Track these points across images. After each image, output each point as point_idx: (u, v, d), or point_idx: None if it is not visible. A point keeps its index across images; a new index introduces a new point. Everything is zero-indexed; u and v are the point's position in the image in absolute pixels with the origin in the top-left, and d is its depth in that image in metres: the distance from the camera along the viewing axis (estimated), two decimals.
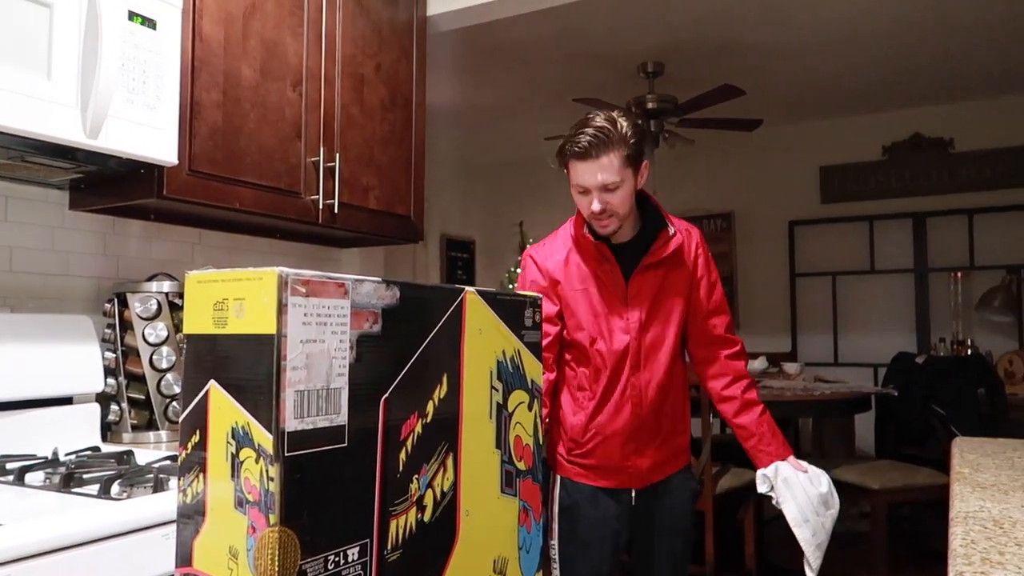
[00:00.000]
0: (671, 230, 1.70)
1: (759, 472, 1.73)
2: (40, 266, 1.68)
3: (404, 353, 0.87)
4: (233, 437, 0.76)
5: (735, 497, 3.08)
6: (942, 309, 4.72)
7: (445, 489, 0.92)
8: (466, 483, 0.96)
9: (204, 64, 1.65)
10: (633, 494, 1.70)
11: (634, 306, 1.67)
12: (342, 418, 0.78)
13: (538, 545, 1.11)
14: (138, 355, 1.70)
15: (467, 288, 0.97)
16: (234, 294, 0.77)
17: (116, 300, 1.72)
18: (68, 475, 1.20)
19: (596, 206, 1.59)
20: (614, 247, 1.68)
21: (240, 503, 0.75)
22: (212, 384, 0.78)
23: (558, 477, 1.71)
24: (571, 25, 3.46)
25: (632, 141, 1.59)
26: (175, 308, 1.74)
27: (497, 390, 1.02)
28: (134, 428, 1.68)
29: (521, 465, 1.07)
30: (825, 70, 4.10)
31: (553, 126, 4.77)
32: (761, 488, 1.72)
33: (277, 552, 0.72)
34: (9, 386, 1.46)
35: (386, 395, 0.84)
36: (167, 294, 1.74)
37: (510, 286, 5.88)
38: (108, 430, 1.69)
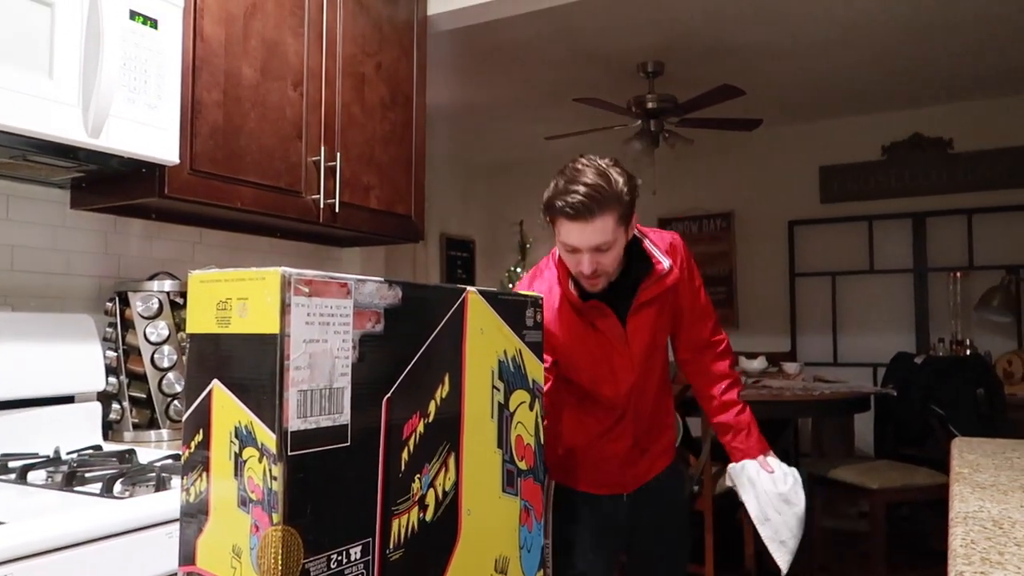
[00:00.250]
0: (664, 265, 1.60)
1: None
2: (42, 265, 1.69)
3: (406, 353, 0.88)
4: (236, 436, 0.76)
5: (735, 497, 3.08)
6: (941, 309, 4.73)
7: (447, 488, 0.92)
8: (468, 482, 0.96)
9: (205, 64, 1.65)
10: (625, 497, 1.71)
11: (634, 342, 1.61)
12: (345, 417, 0.79)
13: (539, 544, 1.12)
14: (139, 354, 1.70)
15: (469, 288, 0.98)
16: (237, 294, 0.78)
17: (117, 299, 1.73)
18: (70, 474, 1.21)
19: (587, 268, 1.48)
20: (604, 295, 1.58)
21: (243, 502, 0.75)
22: (215, 383, 0.79)
23: (552, 481, 1.71)
24: (571, 25, 3.46)
25: (627, 199, 1.47)
26: (176, 307, 1.75)
27: (499, 390, 1.03)
28: (135, 427, 1.69)
29: (522, 465, 1.08)
30: (825, 70, 4.10)
31: (553, 126, 4.78)
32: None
33: (280, 551, 0.72)
34: (11, 385, 1.46)
35: (388, 395, 0.85)
36: (168, 293, 1.74)
37: (510, 285, 5.88)
38: (109, 429, 1.69)
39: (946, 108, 4.72)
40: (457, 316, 0.96)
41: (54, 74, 1.29)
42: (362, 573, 0.80)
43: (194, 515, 0.80)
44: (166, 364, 1.70)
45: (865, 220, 4.94)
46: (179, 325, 1.73)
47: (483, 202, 6.25)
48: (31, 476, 1.26)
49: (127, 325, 1.71)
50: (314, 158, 1.91)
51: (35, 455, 1.38)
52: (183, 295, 1.76)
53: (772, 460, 1.76)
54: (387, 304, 0.85)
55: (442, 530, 0.92)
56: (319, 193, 1.91)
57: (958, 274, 4.67)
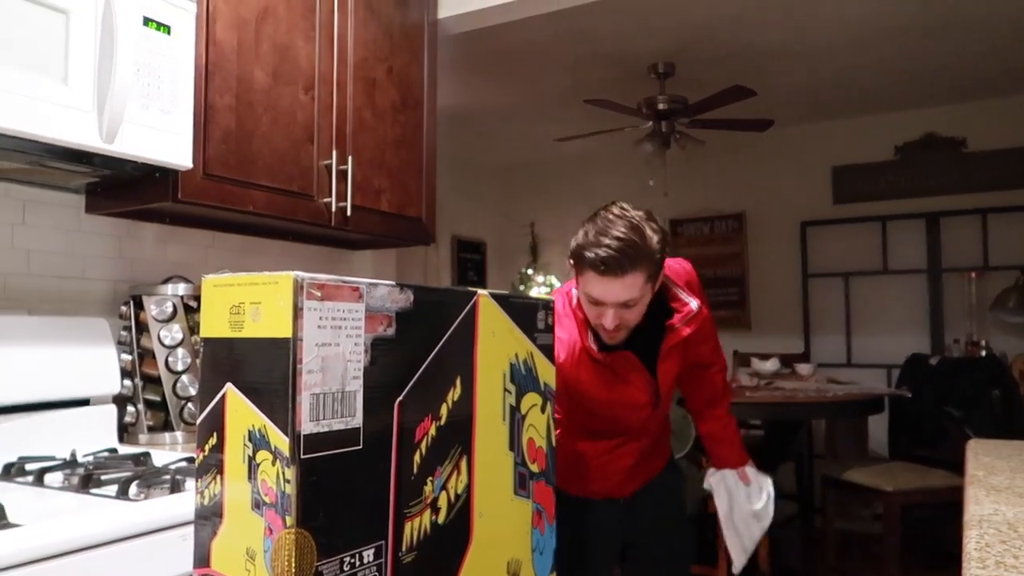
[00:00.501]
0: (692, 306, 1.54)
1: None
2: (57, 269, 1.70)
3: (418, 356, 0.88)
4: (250, 439, 0.77)
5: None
6: (956, 310, 4.69)
7: (459, 491, 0.93)
8: (480, 485, 0.96)
9: (217, 68, 1.66)
10: (622, 500, 1.71)
11: (662, 384, 1.60)
12: (357, 421, 0.79)
13: (552, 547, 1.12)
14: (154, 357, 1.71)
15: (480, 291, 0.98)
16: (250, 298, 0.78)
17: (132, 302, 1.74)
18: (86, 476, 1.22)
19: (610, 323, 1.43)
20: (626, 342, 1.53)
21: (257, 505, 0.76)
22: (229, 387, 0.79)
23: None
24: (581, 26, 3.46)
25: (659, 257, 1.42)
26: (190, 310, 1.76)
27: (510, 392, 1.03)
28: (150, 429, 1.70)
29: (534, 467, 1.08)
30: (836, 70, 4.08)
31: (564, 127, 4.78)
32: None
33: (294, 553, 0.72)
34: (28, 388, 1.47)
35: (400, 398, 0.85)
36: (182, 296, 1.75)
37: (521, 287, 5.88)
38: (124, 431, 1.71)
39: (959, 107, 4.68)
40: (469, 319, 0.96)
41: (69, 80, 1.30)
42: (375, 575, 0.81)
43: (208, 517, 0.81)
44: (180, 367, 1.71)
45: (878, 220, 4.91)
46: (193, 328, 1.75)
47: (494, 204, 6.26)
48: (48, 479, 1.28)
49: (142, 328, 1.73)
50: (326, 162, 1.92)
51: (52, 458, 1.39)
52: (197, 298, 1.77)
53: (750, 471, 1.84)
54: (399, 308, 0.85)
55: (454, 533, 0.92)
56: (331, 197, 1.92)
57: (973, 274, 4.63)
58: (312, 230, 2.03)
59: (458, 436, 0.93)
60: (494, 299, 1.01)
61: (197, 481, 0.82)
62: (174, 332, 1.71)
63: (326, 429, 0.76)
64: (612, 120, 4.23)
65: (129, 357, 1.71)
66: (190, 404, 1.72)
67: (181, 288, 1.76)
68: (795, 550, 4.05)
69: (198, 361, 1.73)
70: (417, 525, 0.86)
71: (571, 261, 1.47)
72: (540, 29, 3.43)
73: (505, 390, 1.02)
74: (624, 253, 1.36)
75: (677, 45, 3.72)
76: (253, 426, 0.77)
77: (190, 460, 1.38)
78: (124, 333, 1.74)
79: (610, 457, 1.66)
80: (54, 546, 0.95)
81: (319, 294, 0.76)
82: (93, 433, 1.58)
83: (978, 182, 4.64)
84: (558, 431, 1.73)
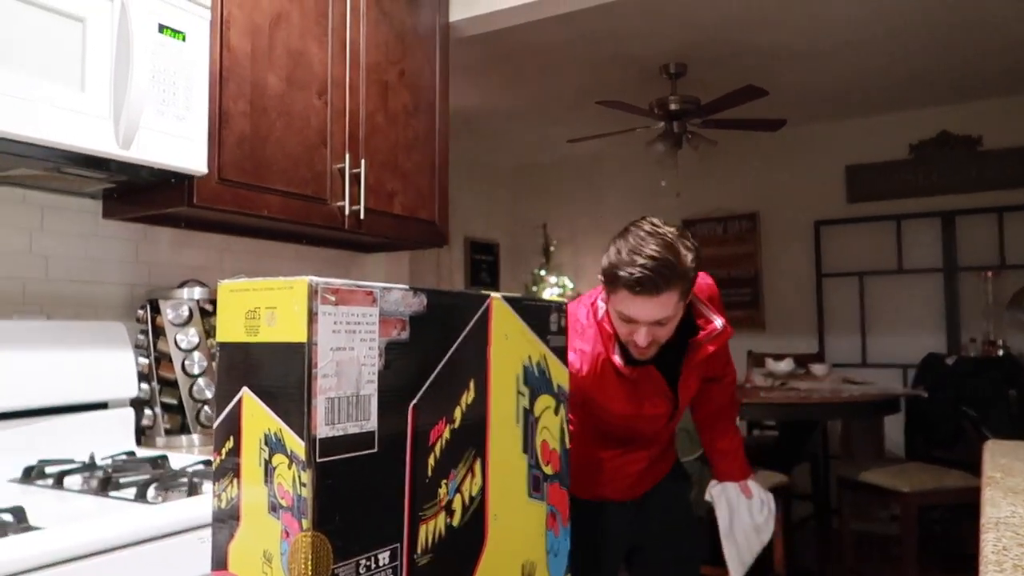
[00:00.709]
0: (717, 324, 1.54)
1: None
2: (75, 274, 1.72)
3: (432, 360, 0.88)
4: (266, 443, 0.78)
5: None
6: (972, 309, 4.65)
7: (473, 494, 0.93)
8: (494, 488, 0.97)
9: (231, 74, 1.68)
10: (629, 502, 1.72)
11: (682, 398, 1.61)
12: (372, 424, 0.80)
13: (566, 549, 1.12)
14: (170, 360, 1.73)
15: (493, 294, 0.98)
16: (266, 303, 0.79)
17: (148, 306, 1.76)
18: (105, 479, 1.23)
19: (643, 341, 1.42)
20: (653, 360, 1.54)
21: (273, 508, 0.76)
22: (245, 391, 0.80)
23: None
24: (593, 28, 3.46)
25: (692, 275, 1.42)
26: (206, 314, 1.77)
27: (524, 395, 1.03)
28: (167, 432, 1.72)
29: (548, 469, 1.08)
30: (849, 69, 4.06)
31: (576, 128, 4.77)
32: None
33: (310, 556, 0.73)
34: (47, 392, 1.49)
35: (414, 401, 0.86)
36: (198, 300, 1.77)
37: (534, 288, 5.89)
38: (142, 434, 1.72)
39: (974, 105, 4.64)
40: (482, 322, 0.96)
41: (86, 87, 1.32)
42: None
43: (225, 521, 0.82)
44: (196, 370, 1.72)
45: (893, 219, 4.87)
46: (209, 332, 1.76)
47: (506, 205, 6.27)
48: (67, 481, 1.29)
49: (158, 332, 1.74)
50: (339, 165, 1.93)
51: (71, 461, 1.41)
52: (212, 302, 1.79)
53: (752, 485, 1.84)
54: (412, 311, 0.86)
55: (469, 535, 0.93)
56: (344, 200, 1.93)
57: (989, 273, 4.59)
58: (326, 233, 2.04)
59: (472, 439, 0.94)
60: (507, 302, 1.01)
61: (214, 484, 0.83)
62: (190, 336, 1.73)
63: (341, 433, 0.77)
64: (624, 121, 4.22)
65: (146, 361, 1.73)
66: (206, 407, 1.73)
67: (197, 292, 1.78)
68: (811, 551, 4.03)
69: (214, 364, 1.75)
70: (432, 527, 0.87)
71: (601, 278, 1.46)
72: (551, 31, 3.43)
73: (518, 393, 1.03)
74: (659, 273, 1.35)
75: (689, 45, 3.71)
76: (269, 430, 0.77)
77: (207, 463, 1.40)
78: (141, 337, 1.76)
79: (621, 462, 1.66)
80: (75, 548, 0.96)
81: (333, 299, 0.77)
82: (111, 436, 1.60)
83: (994, 180, 4.60)
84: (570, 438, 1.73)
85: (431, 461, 0.87)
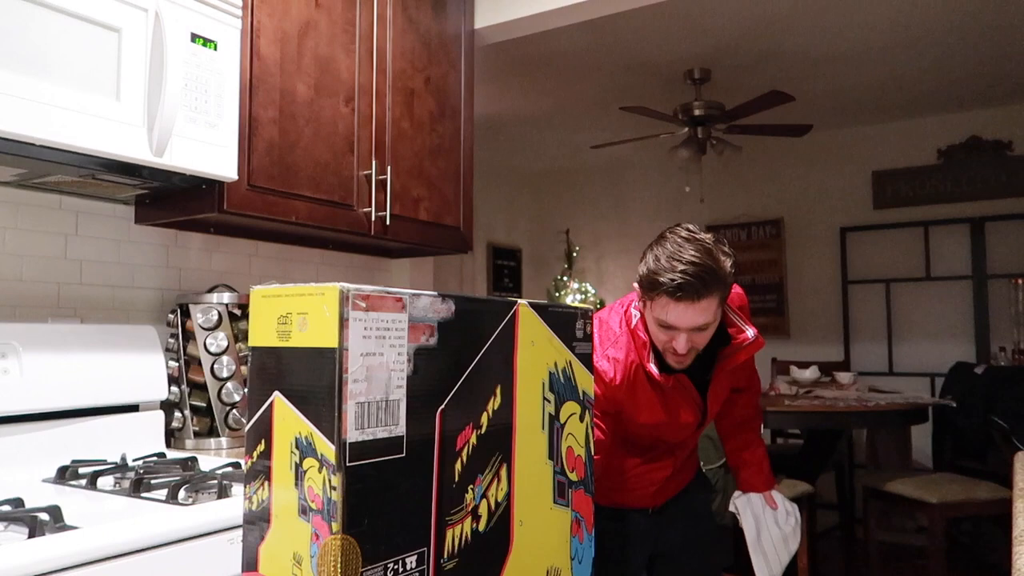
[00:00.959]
0: (749, 334, 1.53)
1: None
2: (108, 278, 1.76)
3: (459, 365, 0.89)
4: (297, 447, 0.79)
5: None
6: (1002, 317, 4.58)
7: (499, 499, 0.94)
8: (519, 493, 0.97)
9: (261, 82, 1.70)
10: (650, 510, 1.72)
11: (711, 406, 1.62)
12: (400, 429, 0.81)
13: (591, 556, 1.12)
14: (200, 364, 1.75)
15: (520, 300, 0.99)
16: (297, 308, 0.80)
17: (179, 310, 1.79)
18: (137, 480, 1.26)
19: (682, 348, 1.42)
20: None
21: (304, 511, 0.78)
22: (276, 395, 0.81)
23: None
24: (617, 34, 3.47)
25: (730, 281, 1.42)
26: (235, 318, 1.80)
27: (549, 401, 1.04)
28: (196, 435, 1.74)
29: (573, 476, 1.08)
30: (876, 74, 4.02)
31: (600, 134, 4.78)
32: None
33: (339, 559, 0.74)
34: (81, 394, 1.52)
35: (442, 406, 0.86)
36: (227, 305, 1.80)
37: (556, 294, 5.88)
38: (171, 436, 1.75)
39: (1005, 110, 4.58)
40: (508, 329, 0.97)
41: (121, 96, 1.35)
42: None
43: (256, 523, 0.83)
44: (225, 374, 1.75)
45: (921, 226, 4.81)
46: (237, 336, 1.79)
47: (529, 211, 6.28)
48: (100, 482, 1.32)
49: (188, 336, 1.77)
50: (365, 172, 1.95)
51: (103, 461, 1.43)
52: (241, 307, 1.81)
53: (777, 496, 1.83)
54: (440, 318, 0.86)
55: (495, 540, 0.93)
56: (370, 206, 1.95)
57: (1019, 280, 4.52)
58: (352, 239, 2.07)
59: (498, 445, 0.95)
60: (533, 308, 1.02)
61: (246, 487, 0.84)
62: (219, 340, 1.76)
63: (371, 437, 0.78)
64: (648, 127, 4.22)
65: (176, 364, 1.76)
66: (234, 410, 1.76)
67: (226, 296, 1.81)
68: (836, 562, 3.98)
69: (242, 368, 1.77)
70: (458, 532, 0.88)
71: (637, 286, 1.45)
72: (576, 37, 3.44)
73: (544, 399, 1.03)
74: (699, 278, 1.35)
75: (713, 51, 3.70)
76: (300, 433, 0.78)
77: (235, 465, 1.42)
78: (171, 340, 1.78)
79: (646, 469, 1.66)
80: (110, 548, 0.98)
81: (364, 305, 0.78)
82: (142, 438, 1.63)
83: None
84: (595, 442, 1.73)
85: (458, 466, 0.88)
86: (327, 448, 0.76)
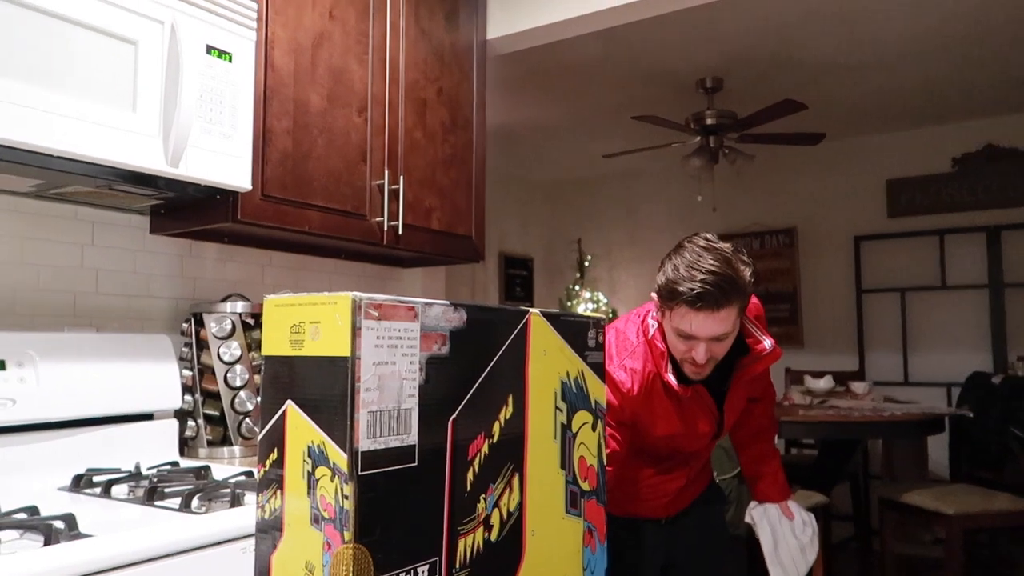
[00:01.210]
0: (766, 345, 1.52)
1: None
2: (123, 288, 1.77)
3: (471, 374, 0.89)
4: (309, 455, 0.79)
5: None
6: (1020, 326, 4.53)
7: (511, 509, 0.94)
8: (531, 503, 0.97)
9: (275, 93, 1.72)
10: (663, 521, 1.71)
11: (728, 417, 1.61)
12: (412, 438, 0.81)
13: (603, 566, 1.12)
14: (213, 373, 1.76)
15: (532, 310, 0.99)
16: (310, 317, 0.81)
17: (193, 320, 1.80)
18: (151, 489, 1.26)
19: (702, 357, 1.41)
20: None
21: (316, 520, 0.78)
22: (289, 404, 0.82)
23: None
24: (629, 43, 3.47)
25: (749, 291, 1.42)
26: (248, 328, 1.81)
27: (561, 411, 1.04)
28: (209, 444, 1.75)
29: (586, 486, 1.08)
30: (889, 82, 4.00)
31: (612, 143, 4.78)
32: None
33: (352, 568, 0.74)
34: (95, 403, 1.53)
35: (454, 415, 0.86)
36: (240, 314, 1.81)
37: (568, 304, 5.88)
38: (185, 445, 1.76)
39: (1021, 117, 4.55)
40: (520, 338, 0.97)
41: (137, 107, 1.36)
42: None
43: (268, 531, 0.83)
44: (238, 383, 1.76)
45: (936, 234, 4.78)
46: (250, 345, 1.79)
47: (541, 220, 6.28)
48: (115, 490, 1.32)
49: (202, 345, 1.78)
50: (378, 182, 1.96)
51: (117, 470, 1.44)
52: (254, 316, 1.82)
53: (793, 506, 1.82)
54: (452, 327, 0.87)
55: (507, 550, 0.93)
56: (383, 216, 1.96)
57: None
58: (364, 248, 2.07)
59: (510, 454, 0.94)
60: (545, 317, 1.02)
61: (258, 495, 0.84)
62: (232, 349, 1.76)
63: (383, 446, 0.78)
64: (660, 136, 4.22)
65: (190, 373, 1.77)
66: (247, 419, 1.76)
67: (239, 306, 1.82)
68: (851, 574, 3.94)
69: (255, 377, 1.78)
70: (470, 542, 0.87)
71: (656, 295, 1.45)
72: (588, 47, 3.45)
73: (556, 408, 1.03)
74: (719, 287, 1.34)
75: (725, 60, 3.70)
76: (312, 442, 0.79)
77: (248, 474, 1.42)
78: (185, 350, 1.80)
79: (660, 480, 1.65)
80: (124, 556, 0.98)
81: (376, 314, 0.78)
82: (155, 446, 1.64)
83: None
84: (609, 453, 1.73)
85: (470, 476, 0.88)
86: (339, 457, 0.76)
